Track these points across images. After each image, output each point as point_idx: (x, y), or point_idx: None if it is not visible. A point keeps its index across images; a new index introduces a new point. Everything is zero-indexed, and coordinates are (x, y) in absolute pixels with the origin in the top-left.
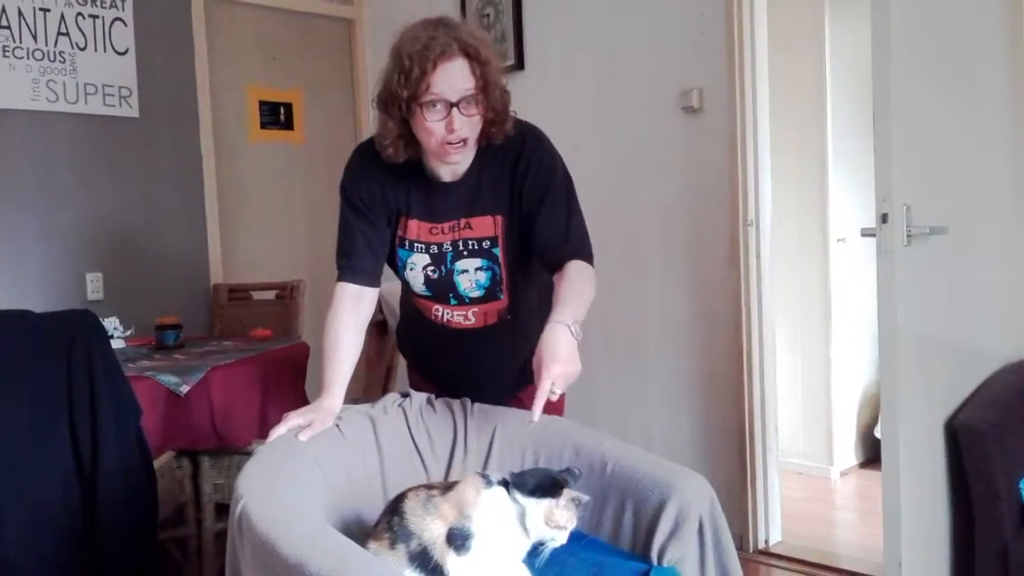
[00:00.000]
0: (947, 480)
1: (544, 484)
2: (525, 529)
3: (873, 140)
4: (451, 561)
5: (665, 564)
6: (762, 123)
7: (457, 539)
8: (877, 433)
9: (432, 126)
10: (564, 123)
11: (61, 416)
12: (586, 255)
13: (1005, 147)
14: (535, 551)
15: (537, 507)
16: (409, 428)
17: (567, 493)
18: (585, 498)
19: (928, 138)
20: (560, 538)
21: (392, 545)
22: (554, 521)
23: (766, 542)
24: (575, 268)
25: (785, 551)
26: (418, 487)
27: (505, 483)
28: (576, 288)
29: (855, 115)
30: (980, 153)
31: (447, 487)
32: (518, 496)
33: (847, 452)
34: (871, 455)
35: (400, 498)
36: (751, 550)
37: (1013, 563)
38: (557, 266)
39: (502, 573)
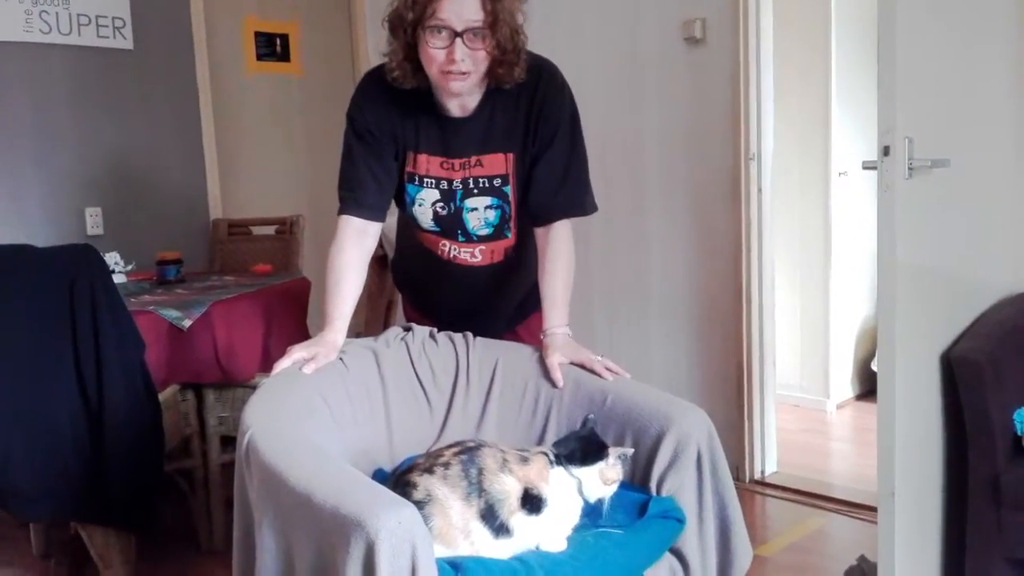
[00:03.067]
0: (941, 411)
1: (589, 450)
2: (583, 497)
3: (877, 72)
4: (517, 519)
5: (664, 494)
6: (765, 55)
7: (532, 501)
8: (874, 366)
9: (434, 52)
10: (566, 52)
11: (66, 351)
12: (575, 209)
13: (1008, 80)
14: (594, 509)
15: (590, 474)
16: (412, 361)
17: (613, 451)
18: (630, 451)
19: (931, 71)
20: (613, 489)
21: (467, 497)
22: (607, 479)
23: (762, 472)
24: (555, 245)
25: (780, 481)
26: (490, 446)
27: (558, 458)
28: (559, 283)
29: (858, 49)
30: (982, 86)
31: (520, 457)
32: (572, 470)
33: (843, 385)
34: (866, 388)
35: (474, 452)
36: (747, 480)
37: (1005, 492)
38: (541, 221)
39: (556, 536)
